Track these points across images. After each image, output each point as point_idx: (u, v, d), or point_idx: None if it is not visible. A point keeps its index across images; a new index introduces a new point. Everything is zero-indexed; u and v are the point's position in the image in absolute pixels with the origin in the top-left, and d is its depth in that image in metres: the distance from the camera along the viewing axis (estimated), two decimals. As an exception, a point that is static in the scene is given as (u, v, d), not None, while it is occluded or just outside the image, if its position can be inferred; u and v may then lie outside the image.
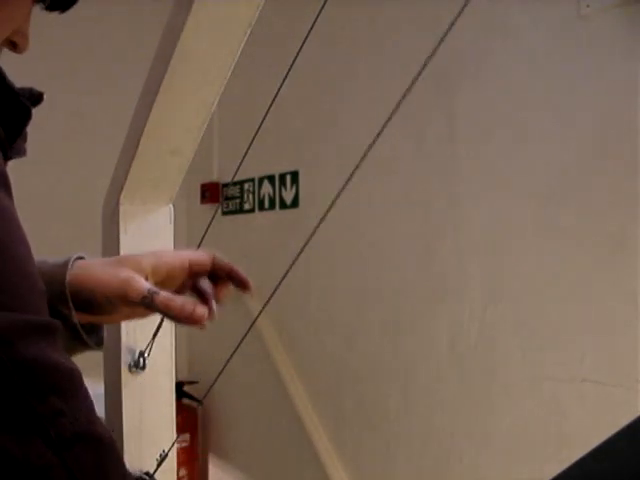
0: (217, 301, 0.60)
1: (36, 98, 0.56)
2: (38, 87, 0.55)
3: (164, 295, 0.54)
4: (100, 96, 3.06)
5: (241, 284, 0.61)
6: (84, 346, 0.56)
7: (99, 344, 0.58)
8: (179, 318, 0.54)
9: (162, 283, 0.58)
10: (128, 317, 0.61)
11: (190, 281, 0.61)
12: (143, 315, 0.61)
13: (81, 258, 0.57)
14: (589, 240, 1.68)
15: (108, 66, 3.07)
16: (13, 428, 0.37)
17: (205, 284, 0.61)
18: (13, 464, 0.37)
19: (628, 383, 1.58)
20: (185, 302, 0.54)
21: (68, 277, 0.54)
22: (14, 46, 0.54)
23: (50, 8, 0.55)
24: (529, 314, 1.83)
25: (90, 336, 0.56)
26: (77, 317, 0.54)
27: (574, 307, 1.71)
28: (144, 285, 0.54)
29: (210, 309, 0.59)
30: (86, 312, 0.55)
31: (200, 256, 0.60)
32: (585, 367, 1.68)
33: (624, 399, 1.58)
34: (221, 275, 0.61)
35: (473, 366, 1.98)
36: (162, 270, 0.58)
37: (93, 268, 0.56)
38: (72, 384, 0.42)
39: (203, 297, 0.61)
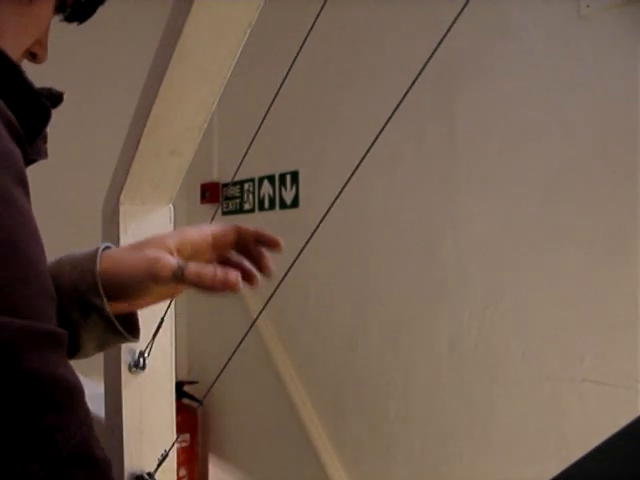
0: (261, 270, 0.60)
1: (56, 98, 0.56)
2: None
3: (194, 266, 0.54)
4: (100, 96, 3.06)
5: (271, 243, 0.61)
6: (119, 336, 0.56)
7: (134, 334, 0.59)
8: (213, 285, 0.54)
9: (188, 260, 0.57)
10: (161, 298, 0.61)
11: (215, 255, 0.61)
12: (175, 293, 0.62)
13: (108, 248, 0.58)
14: (589, 240, 1.68)
15: (108, 66, 3.07)
16: (8, 443, 0.36)
17: (233, 256, 0.61)
18: (4, 477, 0.36)
19: (628, 383, 1.58)
20: (216, 268, 0.54)
21: (98, 266, 0.54)
22: (34, 57, 0.55)
23: (69, 19, 0.57)
24: (529, 314, 1.83)
25: (125, 326, 0.56)
26: (110, 307, 0.55)
27: (574, 307, 1.71)
28: (173, 260, 0.54)
29: (250, 274, 0.59)
30: (118, 300, 0.56)
31: (223, 228, 0.61)
32: (585, 367, 1.68)
33: (624, 399, 1.58)
34: (249, 243, 0.61)
35: (473, 366, 1.98)
36: (187, 246, 0.58)
37: (120, 254, 0.57)
38: (72, 401, 0.40)
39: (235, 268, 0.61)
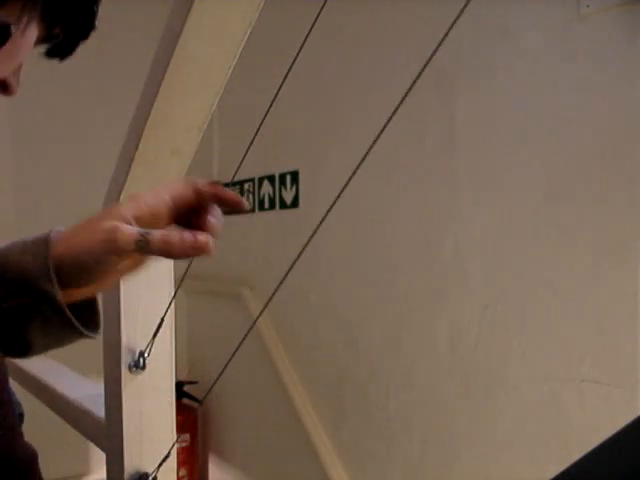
0: (212, 234, 0.53)
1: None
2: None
3: (158, 232, 0.49)
4: (100, 96, 3.06)
5: (234, 204, 0.55)
6: (75, 333, 0.51)
7: (94, 329, 0.54)
8: (182, 251, 0.49)
9: (147, 227, 0.52)
10: (124, 274, 0.56)
11: (173, 218, 0.55)
12: (138, 266, 0.56)
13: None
14: (589, 240, 1.68)
15: (108, 66, 3.07)
16: None
17: (195, 219, 0.55)
18: None
19: (628, 383, 1.58)
20: (182, 232, 0.49)
21: (51, 249, 0.49)
22: (5, 88, 0.51)
23: (49, 54, 0.52)
24: (529, 314, 1.83)
25: (82, 320, 0.51)
26: (71, 294, 0.51)
27: (574, 307, 1.71)
28: (132, 229, 0.49)
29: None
30: (79, 285, 0.51)
31: (181, 189, 0.54)
32: (585, 367, 1.68)
33: (624, 399, 1.58)
34: (208, 203, 0.55)
35: (473, 366, 1.98)
36: (145, 213, 0.52)
37: (74, 235, 0.51)
38: None
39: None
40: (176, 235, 0.49)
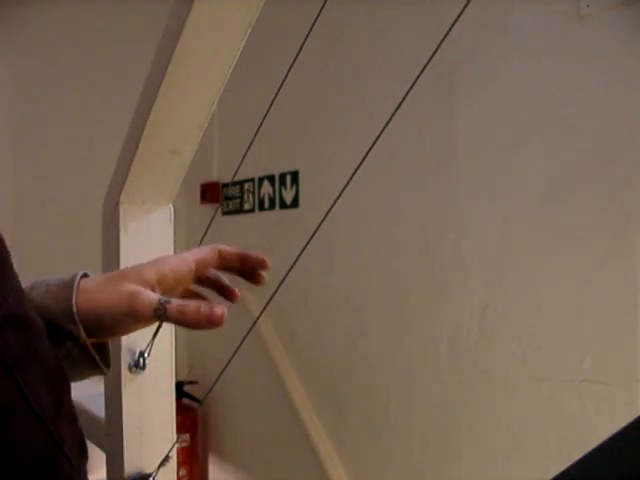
0: (232, 299, 0.57)
1: None
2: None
3: (176, 303, 0.50)
4: (100, 96, 3.06)
5: (258, 264, 0.58)
6: (92, 367, 0.53)
7: (107, 365, 0.55)
8: (197, 323, 0.49)
9: (170, 291, 0.54)
10: (137, 329, 0.57)
11: (196, 279, 0.58)
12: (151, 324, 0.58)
13: (86, 275, 0.54)
14: (589, 240, 1.68)
15: (108, 66, 3.07)
16: None
17: (212, 272, 0.58)
18: None
19: (628, 383, 1.58)
20: (199, 304, 0.50)
21: (75, 295, 0.50)
22: None
23: None
24: (529, 314, 1.83)
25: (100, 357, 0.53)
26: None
27: (574, 307, 1.71)
28: (153, 297, 0.50)
29: (232, 293, 0.56)
30: (93, 336, 0.51)
31: (205, 254, 0.57)
32: (585, 367, 1.68)
33: (624, 399, 1.58)
34: (233, 264, 0.58)
35: (473, 366, 1.98)
36: (169, 278, 0.54)
37: (95, 289, 0.52)
38: (3, 268, 0.39)
39: (215, 287, 0.58)
40: (193, 307, 0.50)
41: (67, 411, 0.42)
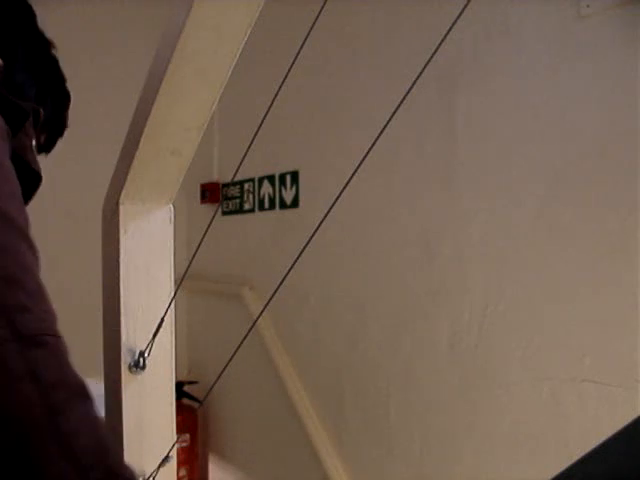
0: None
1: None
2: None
3: None
4: (100, 96, 3.06)
5: None
6: None
7: None
8: None
9: None
10: None
11: None
12: None
13: None
14: (589, 240, 1.68)
15: (108, 66, 3.07)
16: None
17: None
18: None
19: (628, 383, 1.58)
20: None
21: None
22: None
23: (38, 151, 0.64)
24: (529, 314, 1.83)
25: None
26: None
27: (574, 307, 1.71)
28: None
29: None
30: None
31: None
32: (585, 367, 1.68)
33: (624, 399, 1.58)
34: None
35: (473, 366, 1.98)
36: None
37: None
38: (41, 290, 0.44)
39: None
40: None
41: None
